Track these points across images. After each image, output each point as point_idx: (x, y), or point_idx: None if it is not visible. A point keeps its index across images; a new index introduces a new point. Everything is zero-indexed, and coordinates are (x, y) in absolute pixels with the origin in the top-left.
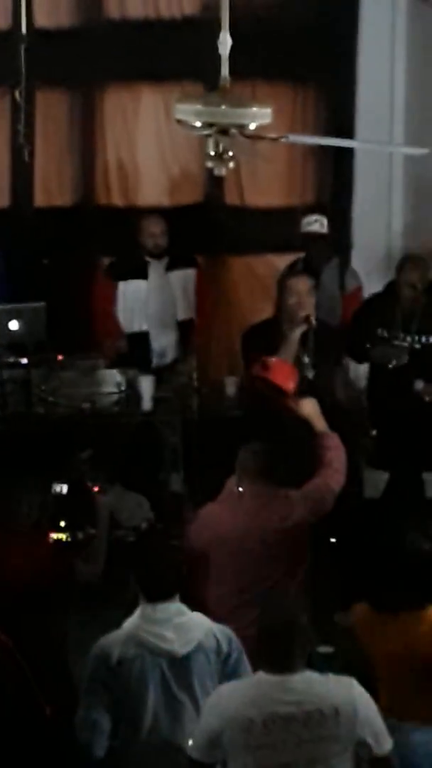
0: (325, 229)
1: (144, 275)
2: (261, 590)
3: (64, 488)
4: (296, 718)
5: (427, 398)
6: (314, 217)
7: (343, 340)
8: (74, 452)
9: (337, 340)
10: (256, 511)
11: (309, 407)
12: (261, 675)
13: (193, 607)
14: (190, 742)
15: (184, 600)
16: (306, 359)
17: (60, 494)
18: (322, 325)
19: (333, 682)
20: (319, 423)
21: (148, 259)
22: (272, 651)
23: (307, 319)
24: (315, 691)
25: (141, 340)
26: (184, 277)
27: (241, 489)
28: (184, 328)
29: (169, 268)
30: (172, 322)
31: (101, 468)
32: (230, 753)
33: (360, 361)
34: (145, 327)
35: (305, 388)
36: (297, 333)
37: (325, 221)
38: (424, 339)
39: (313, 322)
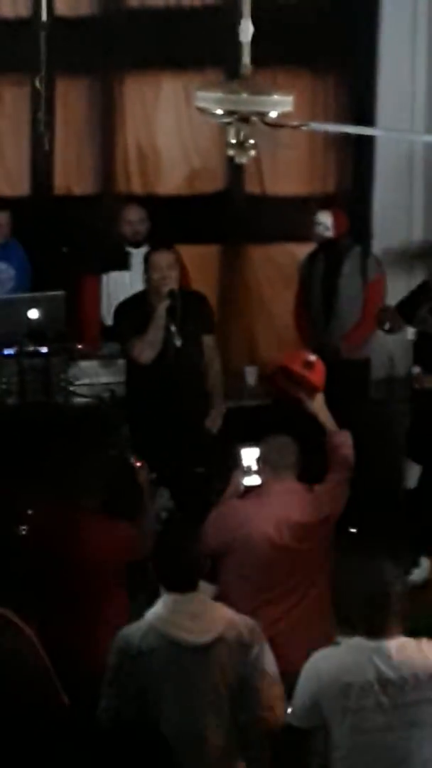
0: (330, 232)
1: (125, 265)
2: (282, 589)
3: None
4: (393, 682)
5: (416, 386)
6: (320, 218)
7: (207, 305)
8: (116, 429)
9: (205, 308)
10: (283, 508)
11: (318, 403)
12: (357, 640)
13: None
14: (289, 710)
15: None
16: (173, 328)
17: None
18: (188, 295)
19: (427, 647)
20: (327, 419)
21: (128, 249)
22: (370, 617)
23: (170, 293)
24: (410, 655)
25: None
26: None
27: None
28: None
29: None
30: None
31: None
32: (329, 717)
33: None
34: None
35: (173, 356)
36: (163, 306)
37: (329, 222)
38: None
39: (177, 294)
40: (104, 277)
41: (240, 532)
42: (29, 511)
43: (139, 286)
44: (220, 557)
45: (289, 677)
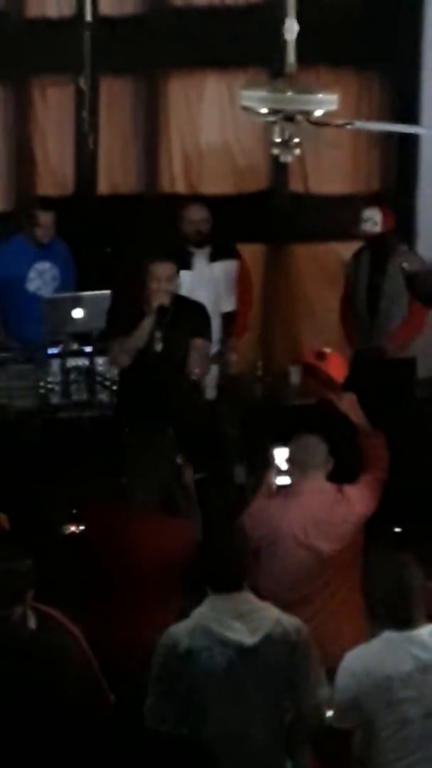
0: (378, 228)
1: (187, 265)
2: (311, 588)
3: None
4: (431, 667)
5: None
6: (368, 214)
7: (203, 315)
8: (162, 428)
9: (200, 317)
10: (311, 507)
11: (349, 402)
12: (387, 633)
13: None
14: (329, 714)
15: None
16: (158, 334)
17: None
18: (184, 303)
19: None
20: (359, 418)
21: (191, 249)
22: (396, 611)
23: (159, 308)
24: None
25: None
26: (227, 269)
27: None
28: (227, 320)
29: (213, 258)
30: (216, 313)
31: None
32: (372, 713)
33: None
34: None
35: (152, 360)
36: (149, 320)
37: (378, 218)
38: None
39: (166, 309)
40: None
41: (267, 531)
42: (74, 511)
43: (199, 287)
44: (252, 555)
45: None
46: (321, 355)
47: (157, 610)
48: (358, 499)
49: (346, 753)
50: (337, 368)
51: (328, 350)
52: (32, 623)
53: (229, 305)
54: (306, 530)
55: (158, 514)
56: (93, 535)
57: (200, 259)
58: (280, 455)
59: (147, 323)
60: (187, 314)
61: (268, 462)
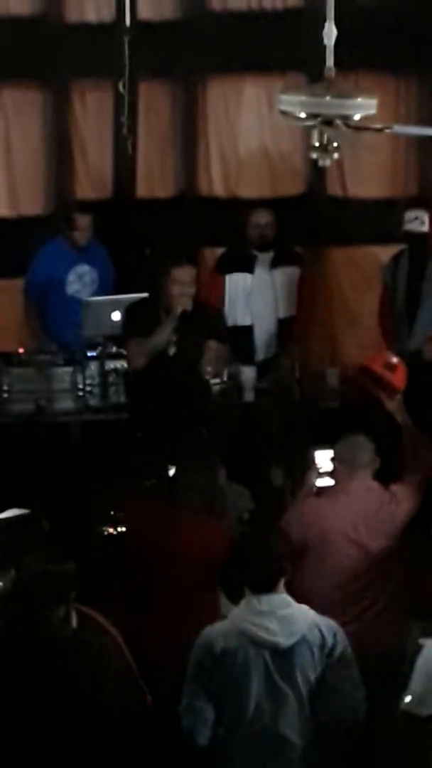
0: (425, 227)
1: (250, 269)
2: (360, 585)
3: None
4: None
5: None
6: (414, 214)
7: (221, 320)
8: (198, 429)
9: (214, 319)
10: (360, 505)
11: (396, 403)
12: None
13: (297, 601)
14: (407, 699)
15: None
16: (174, 338)
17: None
18: (200, 308)
19: None
20: (405, 419)
21: (255, 252)
22: None
23: (182, 314)
24: None
25: (245, 333)
26: (288, 275)
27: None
28: (284, 325)
29: (275, 264)
30: (273, 318)
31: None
32: None
33: None
34: (248, 321)
35: (167, 361)
36: (170, 325)
37: (426, 218)
38: None
39: (187, 314)
40: (227, 277)
41: (317, 530)
42: (112, 513)
43: (259, 292)
44: (298, 556)
45: (372, 669)
46: (391, 366)
47: (194, 610)
48: (404, 498)
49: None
50: (402, 377)
51: (396, 360)
52: (74, 623)
53: (287, 311)
54: (357, 528)
55: (198, 514)
56: (134, 534)
57: (263, 263)
58: (321, 457)
59: (168, 326)
60: (204, 318)
61: (308, 464)
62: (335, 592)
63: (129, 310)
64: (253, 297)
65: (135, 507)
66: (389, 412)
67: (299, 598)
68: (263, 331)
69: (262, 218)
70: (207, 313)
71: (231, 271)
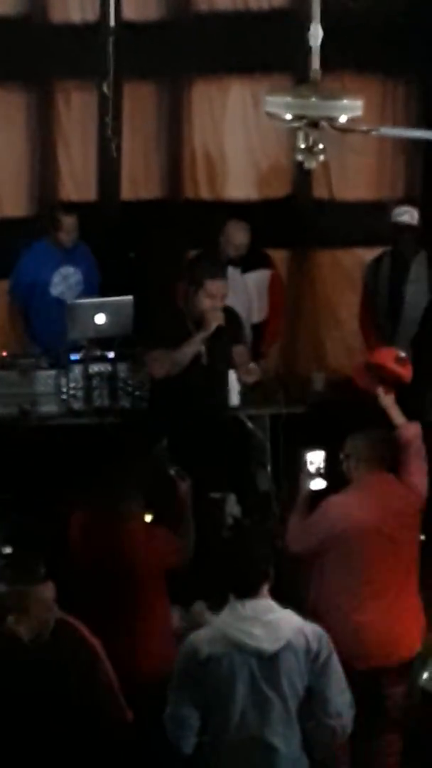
0: (415, 221)
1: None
2: (386, 580)
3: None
4: None
5: None
6: (405, 208)
7: (237, 320)
8: (155, 440)
9: (232, 321)
10: (386, 498)
11: (390, 399)
12: None
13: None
14: (425, 675)
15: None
16: (203, 349)
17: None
18: (229, 313)
19: None
20: (398, 414)
21: (226, 261)
22: None
23: (218, 329)
24: None
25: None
26: (259, 279)
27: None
28: (258, 330)
29: (246, 268)
30: (247, 322)
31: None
32: None
33: None
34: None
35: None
36: (202, 337)
37: (415, 213)
38: None
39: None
40: None
41: (344, 525)
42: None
43: (232, 297)
44: (319, 555)
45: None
46: (401, 360)
47: (143, 619)
48: (416, 486)
49: None
50: (410, 372)
51: (404, 354)
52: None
53: (260, 315)
54: (384, 520)
55: (139, 521)
56: (77, 540)
57: (234, 268)
58: (314, 459)
59: (199, 339)
60: (231, 326)
61: (301, 467)
62: (364, 587)
63: (154, 320)
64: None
65: (79, 512)
66: (382, 408)
67: (324, 600)
68: None
69: (239, 237)
70: (233, 321)
71: (203, 277)
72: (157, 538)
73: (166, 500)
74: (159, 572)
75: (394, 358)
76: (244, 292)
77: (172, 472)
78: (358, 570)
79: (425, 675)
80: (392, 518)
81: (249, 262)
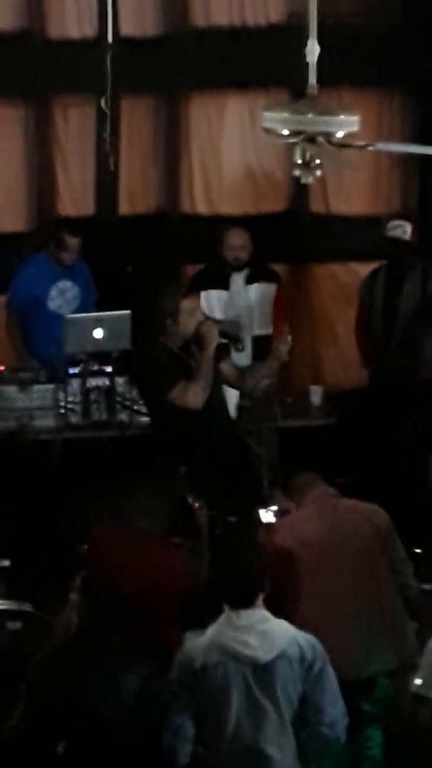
0: (407, 236)
1: (225, 286)
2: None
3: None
4: None
5: None
6: (398, 222)
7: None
8: (175, 468)
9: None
10: (355, 506)
11: None
12: None
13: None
14: (418, 681)
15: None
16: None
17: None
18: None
19: None
20: None
21: (229, 270)
22: None
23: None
24: None
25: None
26: (263, 291)
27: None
28: (258, 343)
29: (249, 280)
30: (249, 335)
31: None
32: None
33: None
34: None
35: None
36: (211, 350)
37: (408, 228)
38: None
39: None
40: (203, 294)
41: (303, 540)
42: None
43: (232, 307)
44: (291, 568)
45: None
46: None
47: (154, 638)
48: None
49: None
50: None
51: None
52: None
53: (263, 328)
54: (349, 542)
55: (159, 539)
56: (92, 557)
57: (237, 280)
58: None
59: (209, 355)
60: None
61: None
62: (355, 597)
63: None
64: (228, 315)
65: (98, 528)
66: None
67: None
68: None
69: (236, 240)
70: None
71: (206, 287)
72: (176, 561)
73: (184, 527)
74: (175, 596)
75: None
76: (246, 303)
77: (189, 499)
78: (346, 580)
79: (417, 681)
80: (356, 541)
81: (254, 274)
